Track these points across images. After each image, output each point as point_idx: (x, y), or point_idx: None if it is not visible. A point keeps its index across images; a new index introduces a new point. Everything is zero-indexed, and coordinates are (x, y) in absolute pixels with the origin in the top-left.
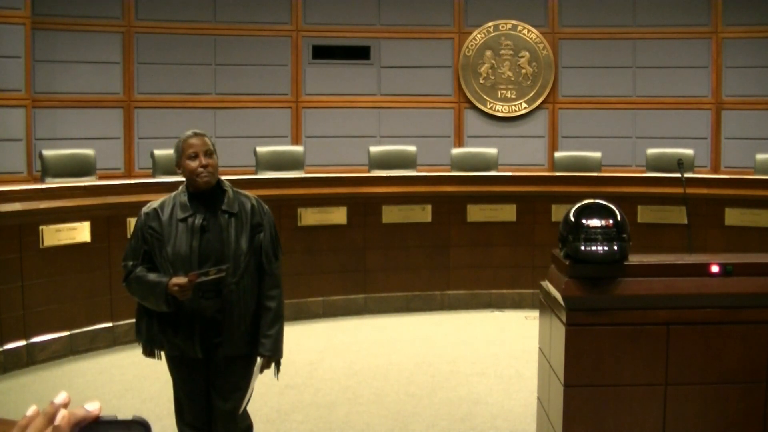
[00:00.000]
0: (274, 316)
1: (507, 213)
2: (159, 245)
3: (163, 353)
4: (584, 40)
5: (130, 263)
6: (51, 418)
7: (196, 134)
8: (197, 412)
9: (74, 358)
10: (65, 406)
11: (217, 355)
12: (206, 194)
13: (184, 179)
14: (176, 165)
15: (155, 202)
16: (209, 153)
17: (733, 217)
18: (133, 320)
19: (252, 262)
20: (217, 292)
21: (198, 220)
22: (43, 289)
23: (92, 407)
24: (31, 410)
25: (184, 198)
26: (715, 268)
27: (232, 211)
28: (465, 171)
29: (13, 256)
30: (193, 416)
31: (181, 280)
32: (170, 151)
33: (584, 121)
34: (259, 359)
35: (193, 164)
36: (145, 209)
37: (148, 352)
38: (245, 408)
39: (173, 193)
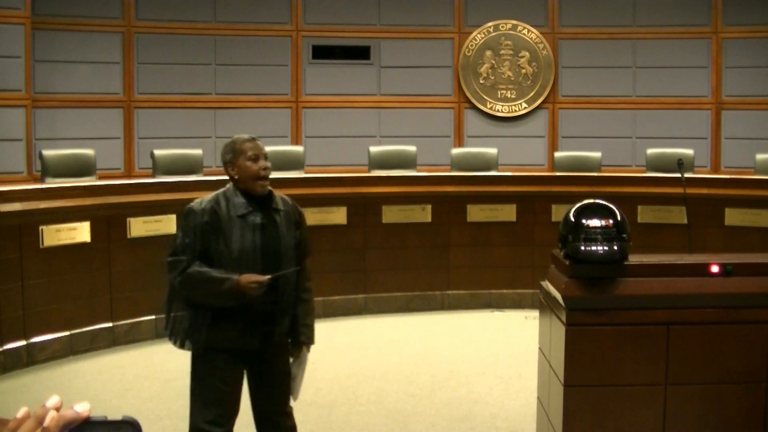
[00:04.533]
0: (310, 307)
1: (507, 213)
2: (218, 241)
3: (187, 347)
4: (584, 40)
5: (185, 258)
6: (41, 420)
7: (254, 138)
8: (229, 409)
9: (74, 358)
10: (57, 409)
11: (266, 345)
12: (262, 195)
13: (228, 179)
14: (228, 164)
15: (203, 200)
16: (266, 156)
17: (733, 217)
18: (133, 320)
19: (296, 255)
20: (274, 285)
21: (257, 219)
22: (43, 289)
23: (81, 408)
24: (21, 412)
25: (239, 196)
26: (715, 268)
27: (282, 210)
28: (465, 171)
29: (13, 256)
30: (221, 413)
31: (259, 278)
32: (170, 151)
33: (584, 121)
34: (304, 348)
35: (255, 166)
36: (196, 206)
37: (186, 346)
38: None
39: (220, 192)
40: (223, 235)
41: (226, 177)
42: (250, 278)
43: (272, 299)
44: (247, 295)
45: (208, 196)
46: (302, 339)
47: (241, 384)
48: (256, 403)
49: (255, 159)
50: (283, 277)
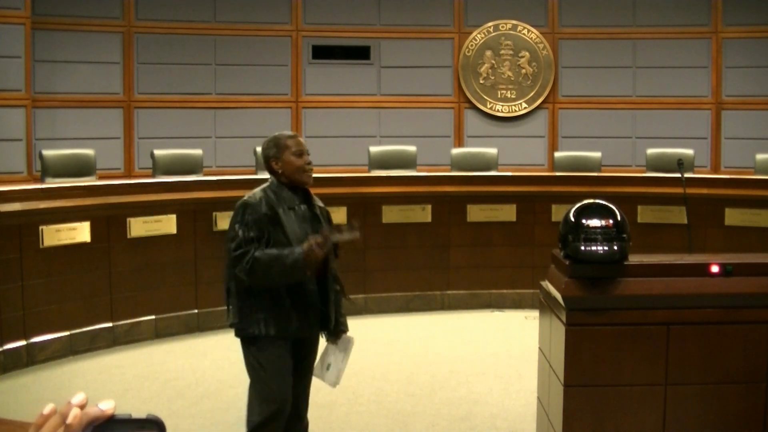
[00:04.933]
0: (341, 298)
1: (507, 213)
2: (276, 232)
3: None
4: (584, 40)
5: (251, 248)
6: (65, 416)
7: (296, 135)
8: (287, 391)
9: (74, 358)
10: (82, 406)
11: (313, 334)
12: (300, 189)
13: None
14: (271, 159)
15: (255, 194)
16: (308, 152)
17: (733, 217)
18: (133, 320)
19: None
20: (324, 276)
21: (305, 210)
22: (43, 289)
23: (106, 406)
24: (47, 408)
25: (286, 190)
26: (715, 268)
27: (319, 204)
28: (465, 171)
29: (13, 256)
30: (284, 397)
31: (318, 238)
32: (170, 151)
33: (584, 121)
34: (349, 335)
35: (300, 161)
36: (253, 200)
37: (246, 333)
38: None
39: (264, 187)
40: (280, 226)
41: (221, 177)
42: (310, 243)
43: (323, 287)
44: (312, 264)
45: (256, 191)
46: (343, 328)
47: (291, 374)
48: (295, 390)
49: (299, 154)
50: (332, 271)
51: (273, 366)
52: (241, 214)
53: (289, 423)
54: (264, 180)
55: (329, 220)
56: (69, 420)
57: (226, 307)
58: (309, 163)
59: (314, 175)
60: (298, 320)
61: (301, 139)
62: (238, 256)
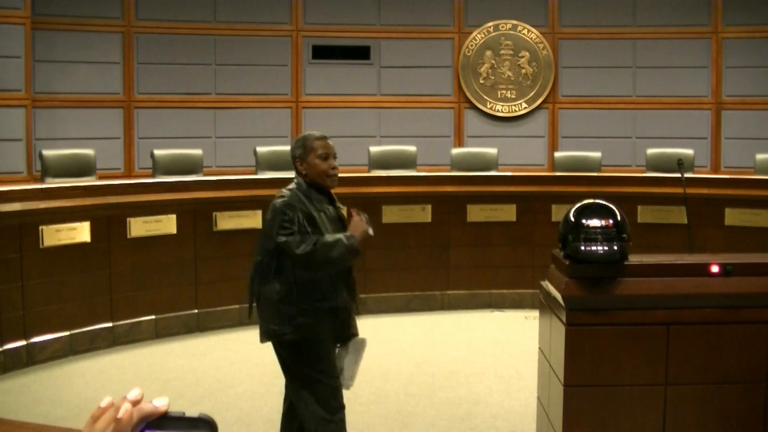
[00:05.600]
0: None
1: (507, 213)
2: (315, 232)
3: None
4: (584, 40)
5: (310, 235)
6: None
7: (324, 136)
8: (339, 393)
9: (74, 358)
10: (136, 402)
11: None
12: (325, 191)
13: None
14: (297, 159)
15: (288, 195)
16: (335, 155)
17: (733, 217)
18: (133, 320)
19: None
20: (349, 274)
21: (334, 211)
22: (43, 289)
23: (160, 403)
24: (105, 402)
25: (315, 192)
26: (715, 268)
27: (341, 207)
28: (465, 171)
29: (13, 256)
30: (338, 397)
31: (363, 224)
32: (170, 151)
33: (584, 121)
34: (361, 336)
35: (325, 165)
36: (292, 200)
37: (290, 338)
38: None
39: (293, 188)
40: (317, 227)
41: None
42: (356, 227)
43: (351, 289)
44: (359, 244)
45: (285, 191)
46: (354, 331)
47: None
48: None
49: (325, 157)
50: (352, 270)
51: (325, 366)
52: (284, 213)
53: (291, 424)
54: (264, 180)
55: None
56: (120, 415)
57: (250, 311)
58: (334, 168)
59: None
60: (330, 321)
61: (330, 142)
62: (296, 242)
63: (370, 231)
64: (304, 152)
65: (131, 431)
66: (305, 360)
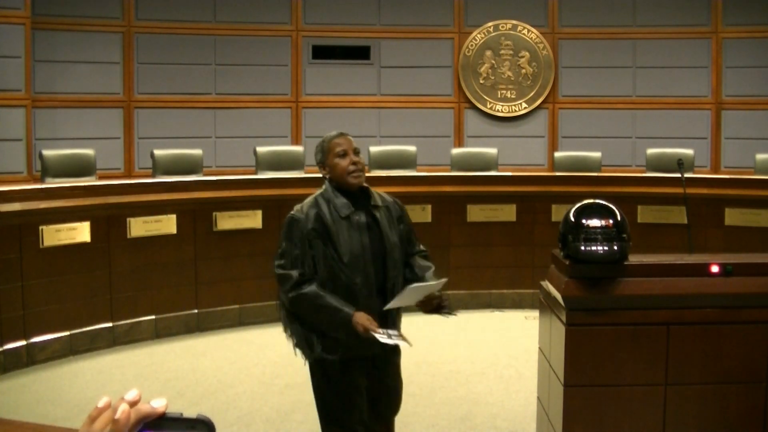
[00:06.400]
0: (433, 271)
1: (507, 213)
2: (327, 247)
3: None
4: (584, 40)
5: (296, 273)
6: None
7: (342, 134)
8: (360, 416)
9: (74, 358)
10: (134, 402)
11: (386, 356)
12: (358, 193)
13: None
14: (320, 165)
15: (305, 204)
16: (357, 152)
17: (733, 217)
18: (133, 320)
19: (401, 254)
20: (382, 288)
21: (361, 218)
22: (43, 289)
23: (158, 404)
24: (102, 402)
25: (340, 196)
26: (715, 268)
27: (381, 206)
28: (465, 171)
29: (13, 256)
30: (356, 421)
31: (372, 326)
32: (170, 151)
33: (584, 121)
34: (443, 280)
35: (344, 162)
36: (298, 214)
37: (310, 357)
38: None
39: (318, 194)
40: (331, 240)
41: (221, 177)
42: (363, 321)
43: (382, 302)
44: (358, 331)
45: (307, 200)
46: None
47: (363, 395)
48: (379, 417)
49: (343, 155)
50: (392, 281)
51: (339, 390)
52: (287, 229)
53: None
54: (264, 180)
55: (400, 217)
56: (117, 416)
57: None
58: (355, 163)
59: (314, 175)
60: (357, 339)
61: (349, 138)
62: (280, 276)
63: (381, 338)
64: (323, 155)
65: None
66: (322, 380)
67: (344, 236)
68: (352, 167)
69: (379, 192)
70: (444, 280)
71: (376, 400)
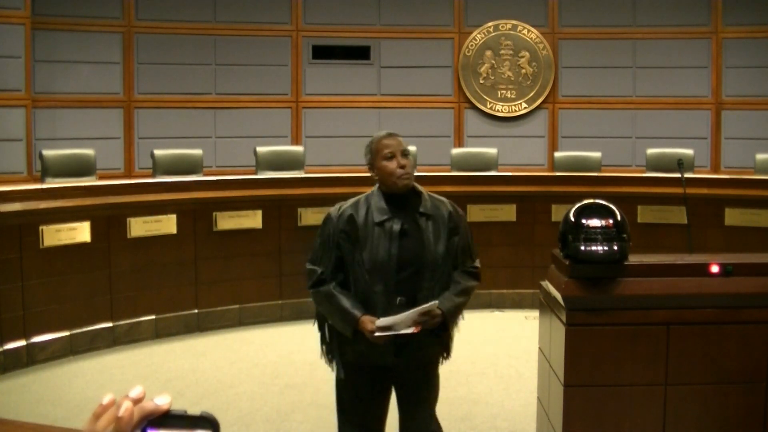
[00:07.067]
0: (463, 289)
1: (507, 213)
2: (353, 250)
3: (335, 363)
4: (584, 40)
5: (320, 270)
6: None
7: (390, 134)
8: (370, 423)
9: (74, 358)
10: (138, 400)
11: (406, 363)
12: (402, 196)
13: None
14: (368, 166)
15: (346, 203)
16: (405, 153)
17: (733, 217)
18: (133, 320)
19: (447, 266)
20: (413, 299)
21: (396, 225)
22: (43, 289)
23: (162, 401)
24: (107, 399)
25: (380, 200)
26: (715, 268)
27: (430, 213)
28: (465, 171)
29: (13, 256)
30: (364, 428)
31: (371, 326)
32: (170, 151)
33: (584, 121)
34: (434, 303)
35: (391, 165)
36: (335, 212)
37: (328, 360)
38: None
39: (365, 194)
40: (358, 245)
41: (221, 177)
42: (366, 325)
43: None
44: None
45: (353, 198)
46: (440, 304)
47: (384, 403)
48: (400, 423)
49: (391, 157)
50: (426, 292)
51: (350, 395)
52: (322, 226)
53: None
54: (264, 180)
55: (454, 228)
56: (120, 413)
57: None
58: (403, 166)
59: (314, 175)
60: (367, 346)
61: (398, 138)
62: (308, 271)
63: (385, 333)
64: (372, 156)
65: (133, 429)
66: (338, 383)
67: (371, 243)
68: (399, 170)
69: (437, 197)
70: (434, 303)
71: (402, 413)
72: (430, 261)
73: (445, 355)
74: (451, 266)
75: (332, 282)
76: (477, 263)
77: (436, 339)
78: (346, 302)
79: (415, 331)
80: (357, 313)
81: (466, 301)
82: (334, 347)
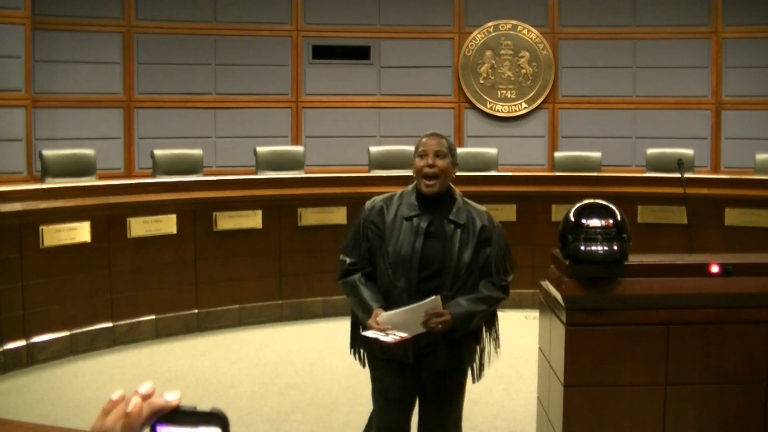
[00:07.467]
0: (481, 297)
1: (507, 213)
2: (380, 243)
3: (365, 357)
4: (584, 40)
5: (349, 260)
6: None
7: (432, 134)
8: (390, 421)
9: (74, 358)
10: (148, 396)
11: (426, 366)
12: (435, 198)
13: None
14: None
15: (380, 196)
16: (441, 154)
17: (733, 217)
18: (133, 320)
19: (473, 277)
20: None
21: (423, 223)
22: (43, 289)
23: (172, 397)
24: (116, 395)
25: (413, 197)
26: (715, 268)
27: (459, 222)
28: (465, 171)
29: (13, 256)
30: (385, 424)
31: (375, 326)
32: (170, 151)
33: (584, 121)
34: (436, 298)
35: (420, 163)
36: (368, 204)
37: (356, 354)
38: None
39: (402, 190)
40: (384, 238)
41: (221, 177)
42: (373, 324)
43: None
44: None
45: (389, 193)
46: (450, 308)
47: (406, 398)
48: (419, 427)
49: (423, 155)
50: (440, 289)
51: (376, 388)
52: (357, 217)
53: None
54: (264, 180)
55: (486, 240)
56: (129, 409)
57: None
58: (431, 166)
59: (314, 175)
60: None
61: (437, 140)
62: (340, 261)
63: (379, 335)
64: (414, 153)
65: (143, 425)
66: (370, 375)
67: (397, 236)
68: (426, 169)
69: (476, 207)
70: (435, 297)
71: (422, 416)
72: (451, 266)
73: (474, 367)
74: (477, 277)
75: (358, 272)
76: (509, 278)
77: (455, 347)
78: (366, 293)
79: (409, 336)
80: (373, 304)
81: (485, 310)
82: (358, 340)
